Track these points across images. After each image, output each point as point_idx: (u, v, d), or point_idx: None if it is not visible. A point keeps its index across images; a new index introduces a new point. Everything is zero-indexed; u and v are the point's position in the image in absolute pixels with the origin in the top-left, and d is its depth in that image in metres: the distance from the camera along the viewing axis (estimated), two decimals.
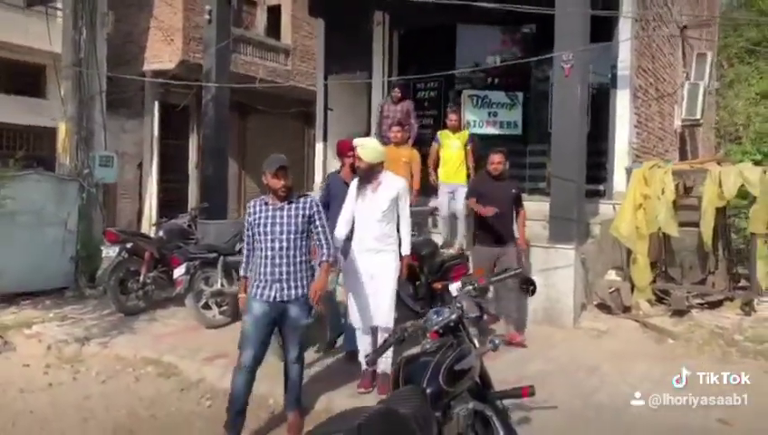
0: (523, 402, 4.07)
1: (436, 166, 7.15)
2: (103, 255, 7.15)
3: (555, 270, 5.98)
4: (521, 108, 8.81)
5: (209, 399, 4.48)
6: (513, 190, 5.56)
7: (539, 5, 6.35)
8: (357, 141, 4.39)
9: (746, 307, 6.26)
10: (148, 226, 11.16)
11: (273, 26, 15.19)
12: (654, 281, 6.56)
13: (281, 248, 3.72)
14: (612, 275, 6.80)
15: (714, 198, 6.06)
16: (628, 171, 6.94)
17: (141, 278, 6.47)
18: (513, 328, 5.50)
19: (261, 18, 14.87)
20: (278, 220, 3.74)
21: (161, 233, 7.16)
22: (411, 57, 9.70)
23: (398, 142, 6.88)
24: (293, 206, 3.78)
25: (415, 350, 2.83)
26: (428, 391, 2.41)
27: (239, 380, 3.70)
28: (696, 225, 6.30)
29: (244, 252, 3.92)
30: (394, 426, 2.00)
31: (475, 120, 8.72)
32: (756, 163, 9.03)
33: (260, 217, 3.77)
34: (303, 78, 14.71)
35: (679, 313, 6.16)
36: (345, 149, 4.98)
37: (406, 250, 4.41)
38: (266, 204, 3.81)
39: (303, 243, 3.79)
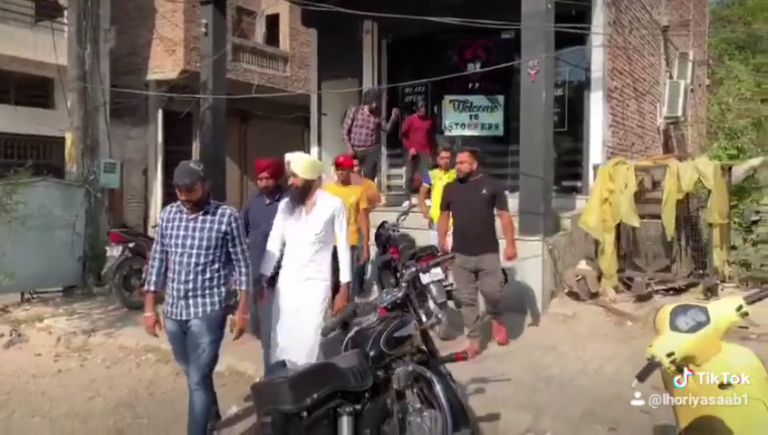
0: (481, 376, 4.58)
1: (427, 206, 6.69)
2: (108, 254, 7.74)
3: (524, 261, 6.41)
4: (502, 110, 9.25)
5: None
6: (484, 191, 5.09)
7: (509, 18, 6.84)
8: (289, 156, 4.05)
9: (708, 293, 6.68)
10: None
11: (272, 35, 15.76)
12: (621, 270, 7.00)
13: (189, 263, 3.38)
14: (583, 265, 7.22)
15: (673, 191, 6.48)
16: (595, 168, 7.37)
17: (144, 275, 6.99)
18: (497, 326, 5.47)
19: (260, 27, 15.43)
20: (190, 232, 3.40)
21: None
22: (399, 64, 10.21)
23: (345, 181, 5.97)
24: (209, 218, 3.43)
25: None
26: (371, 353, 2.87)
27: (194, 401, 3.47)
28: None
29: (151, 262, 3.57)
30: (330, 374, 2.47)
31: (457, 123, 9.19)
32: (731, 157, 9.45)
33: (173, 227, 3.44)
34: (302, 84, 15.22)
35: (642, 298, 6.59)
36: (259, 169, 4.59)
37: (345, 277, 3.95)
38: (182, 212, 3.46)
39: (218, 258, 3.44)
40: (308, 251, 3.85)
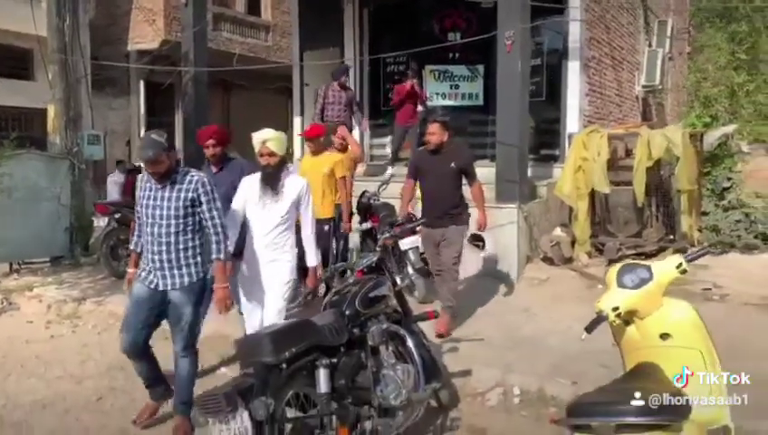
0: (455, 336, 4.85)
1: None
2: (95, 225, 7.87)
3: (501, 227, 6.65)
4: (482, 80, 9.38)
5: None
6: (453, 164, 4.96)
7: None
8: (263, 133, 3.87)
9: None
10: None
11: (254, 3, 15.62)
12: (595, 236, 7.28)
13: (160, 235, 3.36)
14: (558, 232, 7.48)
15: (644, 159, 6.72)
16: (571, 137, 7.58)
17: (130, 245, 7.14)
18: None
19: None
20: (158, 202, 3.37)
21: None
22: (381, 33, 10.25)
23: (317, 150, 5.75)
24: (176, 187, 3.36)
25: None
26: (347, 312, 3.08)
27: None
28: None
29: (136, 225, 3.63)
30: (308, 330, 2.69)
31: (438, 93, 9.32)
32: (705, 126, 9.70)
33: (143, 197, 3.44)
34: (284, 54, 15.17)
35: (614, 262, 6.83)
36: (204, 137, 4.52)
37: (311, 261, 3.93)
38: (151, 182, 3.41)
39: (190, 228, 3.41)
40: (273, 233, 3.80)
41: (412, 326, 3.51)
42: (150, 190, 3.41)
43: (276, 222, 3.81)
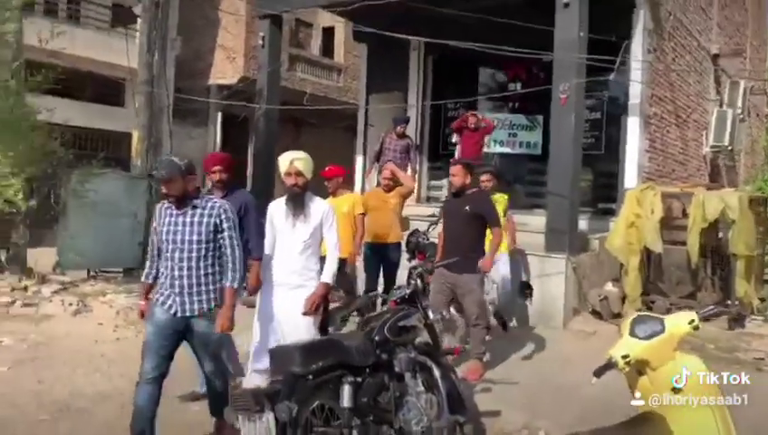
0: (489, 378, 4.93)
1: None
2: None
3: (548, 277, 6.71)
4: (541, 130, 9.52)
5: None
6: (467, 208, 4.89)
7: (549, 38, 7.15)
8: (292, 154, 3.84)
9: (734, 323, 6.77)
10: None
11: (328, 46, 16.50)
12: (646, 293, 7.17)
13: (181, 259, 3.34)
14: (609, 286, 7.42)
15: (698, 220, 6.64)
16: (624, 193, 7.58)
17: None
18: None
19: (316, 38, 16.17)
20: (179, 228, 3.37)
21: None
22: (443, 80, 10.64)
23: (334, 192, 5.81)
24: (198, 212, 3.38)
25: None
26: (376, 338, 3.28)
27: (141, 393, 3.35)
28: None
29: (149, 256, 3.60)
30: (335, 348, 2.92)
31: (495, 140, 9.53)
32: None
33: (163, 223, 3.42)
34: (354, 94, 15.84)
35: None
36: (212, 163, 4.48)
37: (326, 277, 3.82)
38: (171, 208, 3.43)
39: (210, 253, 3.39)
40: (302, 257, 3.76)
41: (441, 359, 3.66)
42: (171, 217, 3.41)
43: (304, 245, 3.75)
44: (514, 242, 6.54)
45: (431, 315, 3.82)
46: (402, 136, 8.69)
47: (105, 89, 13.04)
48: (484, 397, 4.52)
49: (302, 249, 3.74)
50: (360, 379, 2.93)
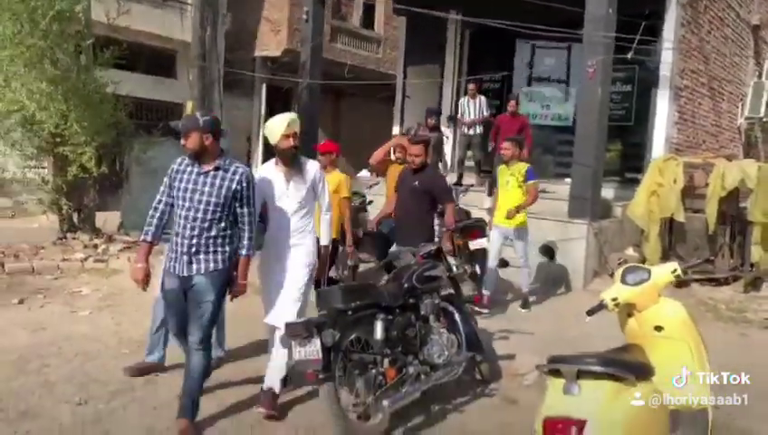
0: (507, 328, 5.49)
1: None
2: None
3: (570, 241, 7.16)
4: (573, 102, 9.82)
5: None
6: (416, 183, 5.07)
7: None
8: (288, 115, 3.84)
9: (749, 287, 7.13)
10: None
11: (369, 18, 16.85)
12: (666, 258, 7.55)
13: (195, 219, 3.26)
14: (630, 251, 7.84)
15: (717, 189, 6.98)
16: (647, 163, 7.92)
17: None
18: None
19: (357, 10, 16.53)
20: (199, 187, 3.29)
21: None
22: (479, 53, 10.99)
23: (325, 167, 5.49)
24: (220, 175, 3.30)
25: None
26: (405, 285, 3.86)
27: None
28: None
29: (151, 211, 3.40)
30: (371, 291, 3.54)
31: (528, 113, 9.88)
32: None
33: (181, 180, 3.33)
34: (392, 66, 16.21)
35: (680, 285, 7.13)
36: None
37: (325, 240, 3.90)
38: (193, 165, 3.33)
39: (225, 216, 3.32)
40: (297, 215, 3.75)
41: (462, 307, 4.26)
42: (191, 174, 3.32)
43: (299, 205, 3.74)
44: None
45: (454, 269, 4.38)
46: (433, 129, 8.75)
47: (158, 60, 13.77)
48: (501, 343, 5.11)
49: (298, 209, 3.74)
50: (390, 317, 3.54)
